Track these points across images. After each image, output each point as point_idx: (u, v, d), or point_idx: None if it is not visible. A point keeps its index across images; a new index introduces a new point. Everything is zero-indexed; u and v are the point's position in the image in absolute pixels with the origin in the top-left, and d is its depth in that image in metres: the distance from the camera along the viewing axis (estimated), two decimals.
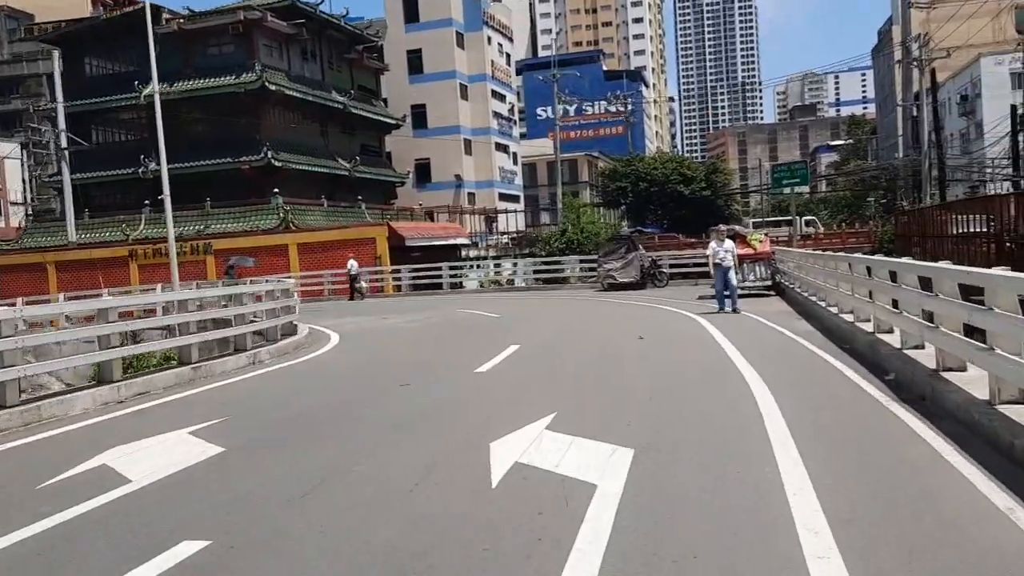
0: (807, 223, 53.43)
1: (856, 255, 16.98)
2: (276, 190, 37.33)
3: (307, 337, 16.57)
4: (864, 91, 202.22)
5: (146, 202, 40.43)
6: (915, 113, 53.42)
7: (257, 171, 38.93)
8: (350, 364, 13.06)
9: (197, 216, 38.60)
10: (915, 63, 45.46)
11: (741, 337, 12.48)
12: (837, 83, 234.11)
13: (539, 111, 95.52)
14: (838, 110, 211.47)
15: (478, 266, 39.36)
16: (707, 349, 11.52)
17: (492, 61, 58.92)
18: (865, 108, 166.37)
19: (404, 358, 13.31)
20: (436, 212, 49.33)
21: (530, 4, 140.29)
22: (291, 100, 41.20)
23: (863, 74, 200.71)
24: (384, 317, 20.53)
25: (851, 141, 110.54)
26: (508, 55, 63.76)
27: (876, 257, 13.33)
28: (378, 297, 30.40)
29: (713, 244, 17.03)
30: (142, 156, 40.04)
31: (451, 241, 38.12)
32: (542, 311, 21.21)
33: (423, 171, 55.75)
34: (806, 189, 62.63)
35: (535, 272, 33.29)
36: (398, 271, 31.60)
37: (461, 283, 33.54)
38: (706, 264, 25.96)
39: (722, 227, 17.84)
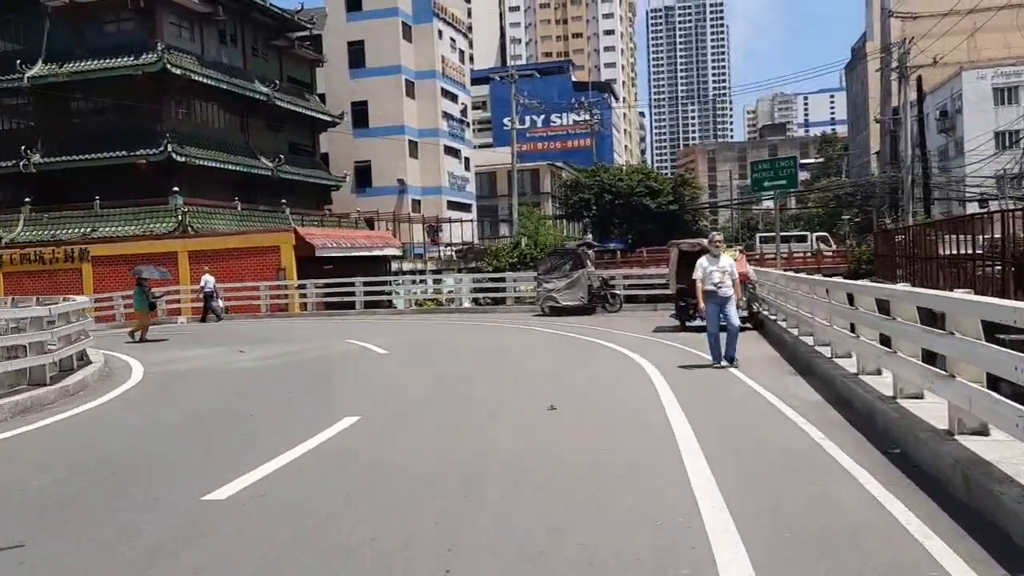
0: (819, 239, 49.22)
1: (867, 283, 12.34)
2: (176, 189, 32.06)
3: (96, 377, 11.54)
4: (833, 112, 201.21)
5: (26, 199, 34.97)
6: (892, 128, 49.59)
7: (156, 167, 33.62)
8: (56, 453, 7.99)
9: (84, 217, 33.19)
10: (896, 71, 41.43)
11: (714, 421, 7.58)
12: (806, 104, 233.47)
13: (506, 121, 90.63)
14: (807, 130, 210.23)
15: (415, 281, 34.36)
16: (651, 450, 6.56)
17: (443, 57, 54.10)
18: (834, 129, 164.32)
19: (145, 447, 8.28)
20: (376, 220, 44.30)
21: (500, 13, 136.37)
22: (201, 88, 35.98)
23: (832, 96, 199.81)
24: (239, 350, 15.46)
25: (822, 159, 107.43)
26: (462, 52, 59.00)
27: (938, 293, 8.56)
28: (271, 318, 25.32)
29: (703, 262, 11.46)
30: (23, 147, 34.54)
31: (377, 252, 33.07)
32: (447, 344, 16.34)
33: (363, 175, 50.66)
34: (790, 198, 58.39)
35: (476, 290, 28.51)
36: (303, 286, 26.48)
37: (391, 302, 28.52)
38: (665, 285, 21.65)
39: (716, 235, 12.67)
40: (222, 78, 36.75)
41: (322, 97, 48.95)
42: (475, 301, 27.77)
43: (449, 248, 47.78)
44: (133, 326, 20.09)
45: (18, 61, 34.72)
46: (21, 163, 34.35)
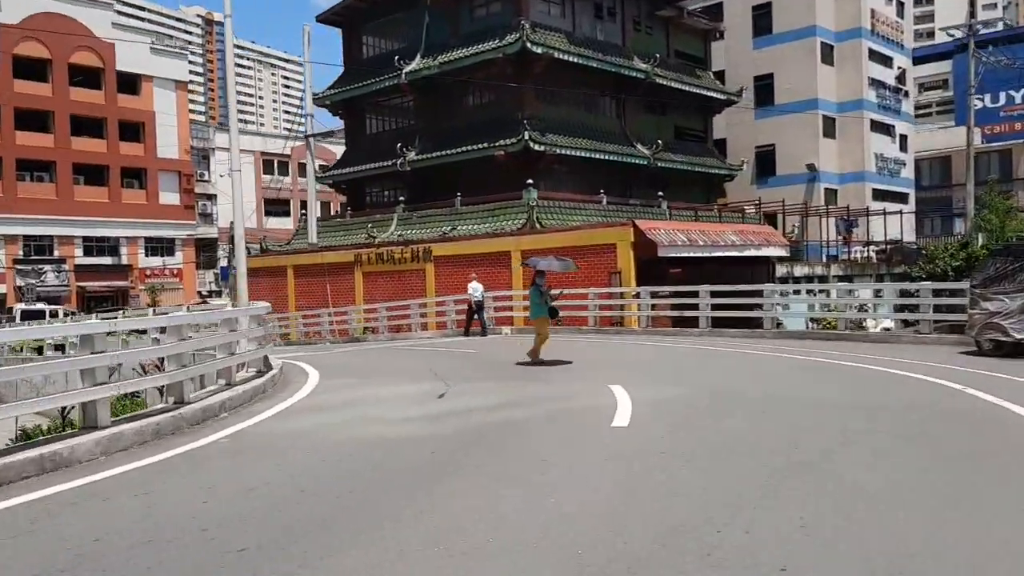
0: None
1: None
2: (529, 181, 28.65)
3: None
4: None
5: (400, 198, 34.68)
6: None
7: (514, 159, 30.67)
8: None
9: (446, 215, 31.57)
10: None
11: None
12: None
13: (975, 100, 73.88)
14: None
15: (809, 291, 26.53)
16: None
17: (872, 10, 43.76)
18: None
19: None
20: (780, 212, 36.78)
21: None
22: (566, 68, 32.20)
23: None
24: (459, 391, 10.44)
25: None
26: (900, 3, 47.57)
27: None
28: (597, 335, 20.04)
29: None
30: (399, 145, 34.20)
31: (751, 251, 25.82)
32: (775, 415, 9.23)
33: (765, 161, 43.05)
34: None
35: (897, 306, 19.87)
36: (636, 295, 20.69)
37: (778, 321, 21.41)
38: None
39: None
40: (591, 55, 32.59)
41: (720, 76, 42.54)
42: (905, 323, 18.98)
43: (869, 248, 38.00)
44: (532, 343, 14.13)
45: (396, 58, 34.49)
46: (398, 162, 34.01)
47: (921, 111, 59.59)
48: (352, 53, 38.71)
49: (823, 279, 30.67)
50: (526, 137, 29.75)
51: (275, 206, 66.87)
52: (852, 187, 43.10)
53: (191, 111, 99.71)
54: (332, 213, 54.61)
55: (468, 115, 33.80)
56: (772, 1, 42.28)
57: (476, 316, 22.55)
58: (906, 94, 48.15)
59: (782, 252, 26.82)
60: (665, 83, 35.75)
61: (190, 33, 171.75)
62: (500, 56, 30.45)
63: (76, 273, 57.07)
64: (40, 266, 55.51)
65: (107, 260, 59.08)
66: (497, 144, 30.69)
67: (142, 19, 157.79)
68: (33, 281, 54.70)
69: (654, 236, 21.40)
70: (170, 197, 62.23)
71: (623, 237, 21.71)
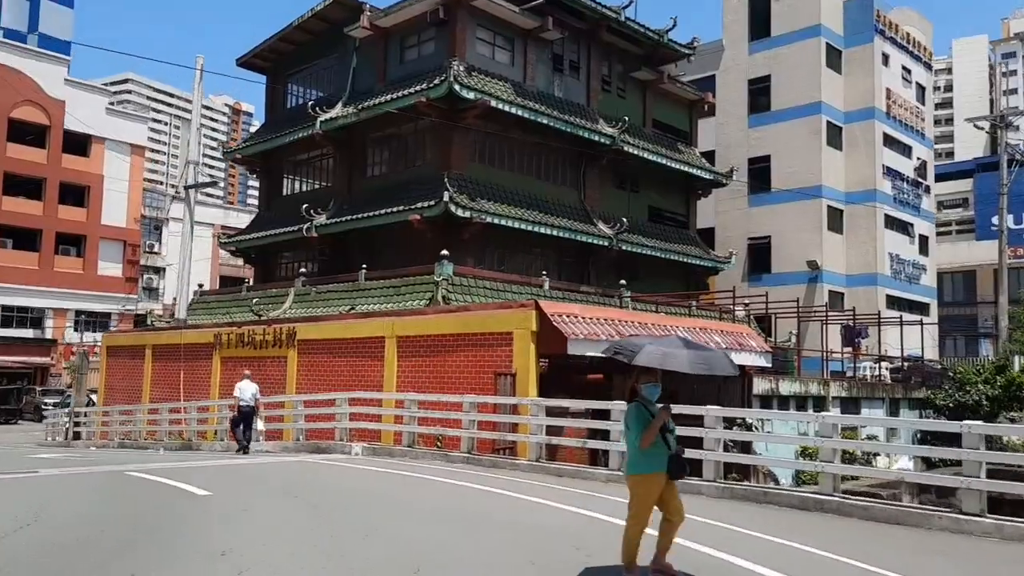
0: None
1: None
2: (445, 253, 22.25)
3: None
4: None
5: (301, 269, 28.42)
6: None
7: (433, 225, 24.48)
8: None
9: (347, 292, 25.17)
10: None
11: None
12: None
13: (994, 221, 68.06)
14: None
15: (800, 424, 19.63)
16: None
17: (888, 90, 38.13)
18: None
19: None
20: (771, 313, 30.06)
21: (990, 82, 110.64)
22: (511, 123, 26.37)
23: None
24: None
25: None
26: (920, 88, 41.93)
27: None
28: (465, 467, 13.17)
29: None
30: (305, 206, 28.18)
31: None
32: None
33: (759, 255, 36.64)
34: None
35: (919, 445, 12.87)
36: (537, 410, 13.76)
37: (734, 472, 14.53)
38: None
39: None
40: (541, 110, 26.77)
41: (709, 156, 36.68)
42: (927, 463, 11.94)
43: (881, 365, 30.86)
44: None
45: (312, 105, 28.89)
46: (304, 227, 27.91)
47: (941, 229, 54.13)
48: (276, 102, 33.27)
49: (819, 400, 23.64)
50: (446, 199, 23.56)
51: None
52: (862, 291, 36.41)
53: (151, 179, 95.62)
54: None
55: (390, 173, 27.86)
56: (771, 74, 36.80)
57: (239, 426, 17.87)
58: (927, 189, 42.03)
59: (760, 361, 19.95)
60: (636, 152, 29.77)
61: (215, 121, 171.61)
62: (423, 101, 24.59)
63: None
64: None
65: (28, 333, 52.91)
66: (414, 207, 24.51)
67: (171, 104, 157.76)
68: None
69: (562, 325, 14.66)
70: (111, 268, 56.43)
71: (522, 323, 14.98)
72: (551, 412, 13.62)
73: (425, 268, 22.87)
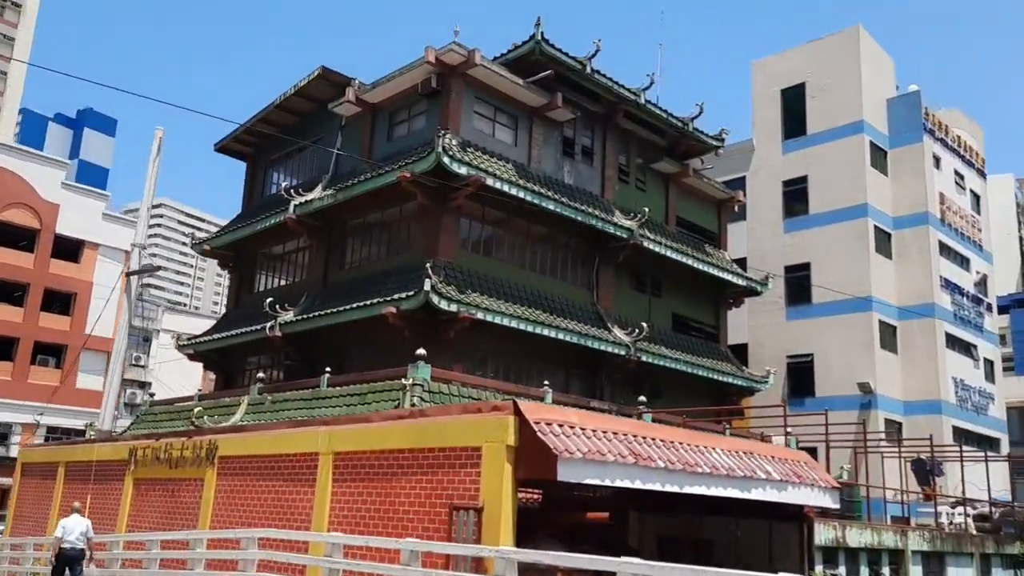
0: None
1: None
2: (421, 352, 17.82)
3: None
4: None
5: (259, 375, 24.07)
6: None
7: (411, 321, 20.21)
8: None
9: (306, 400, 20.66)
10: None
11: None
12: None
13: None
14: None
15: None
16: None
17: (941, 195, 34.17)
18: None
19: None
20: (828, 445, 24.86)
21: (1019, 219, 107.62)
22: (511, 208, 22.51)
23: None
24: None
25: None
26: (975, 196, 37.94)
27: None
28: None
29: None
30: (270, 301, 24.10)
31: (769, 494, 13.52)
32: None
33: (801, 376, 31.76)
34: None
35: None
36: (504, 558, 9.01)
37: None
38: None
39: None
40: (546, 194, 22.92)
41: (740, 264, 32.57)
42: None
43: (965, 510, 25.20)
44: None
45: (286, 187, 25.34)
46: (267, 325, 23.74)
47: None
48: (254, 191, 29.88)
49: (895, 555, 18.27)
50: (427, 288, 19.35)
51: None
52: (923, 420, 31.15)
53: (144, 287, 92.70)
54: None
55: (369, 264, 23.85)
56: (808, 175, 33.13)
57: (61, 571, 14.65)
58: (989, 307, 37.33)
59: (825, 500, 14.90)
60: (658, 249, 25.69)
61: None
62: (407, 176, 20.82)
63: None
64: None
65: None
66: (390, 299, 20.31)
67: (200, 228, 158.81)
68: None
69: (549, 437, 9.91)
70: (91, 381, 52.21)
71: (494, 434, 10.22)
72: (527, 570, 8.82)
73: (397, 371, 18.37)
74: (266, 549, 12.87)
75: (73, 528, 14.80)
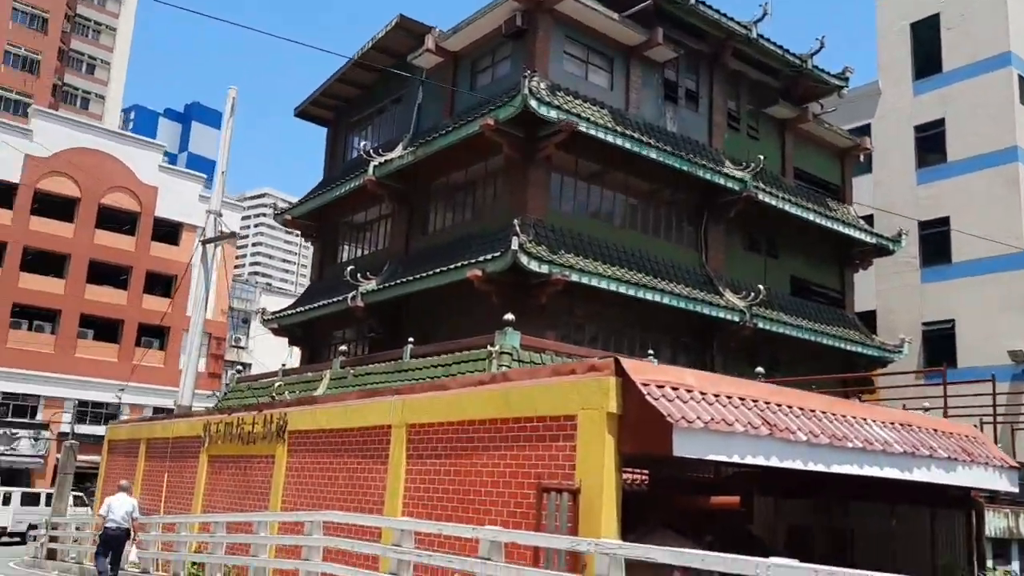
0: None
1: None
2: (509, 317, 15.83)
3: None
4: None
5: (341, 348, 22.62)
6: None
7: (498, 285, 18.25)
8: None
9: (389, 372, 19.02)
10: None
11: None
12: None
13: None
14: None
15: None
16: None
17: None
18: None
19: None
20: (982, 422, 21.68)
21: None
22: (606, 157, 20.20)
23: None
24: None
25: None
26: None
27: None
28: None
29: None
30: (351, 270, 22.59)
31: (931, 473, 11.01)
32: None
33: (939, 345, 28.17)
34: None
35: None
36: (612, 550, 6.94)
37: None
38: None
39: None
40: (646, 140, 20.44)
41: (868, 220, 29.18)
42: None
43: None
44: None
45: (364, 147, 23.75)
46: (349, 296, 22.25)
47: None
48: (335, 155, 28.50)
49: None
50: (515, 247, 17.31)
51: None
52: None
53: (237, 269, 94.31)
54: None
55: (453, 227, 21.99)
56: (944, 118, 29.33)
57: (105, 555, 13.96)
58: None
59: (1002, 482, 12.05)
60: (775, 204, 22.84)
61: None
62: (490, 124, 18.77)
63: (61, 443, 47.39)
64: (14, 430, 46.23)
65: (100, 430, 49.45)
66: (475, 262, 18.39)
67: (266, 215, 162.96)
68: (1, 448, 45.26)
69: (661, 402, 7.72)
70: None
71: (592, 399, 8.07)
72: (635, 568, 6.68)
73: (483, 339, 16.41)
74: (331, 534, 11.16)
75: (118, 508, 14.07)
